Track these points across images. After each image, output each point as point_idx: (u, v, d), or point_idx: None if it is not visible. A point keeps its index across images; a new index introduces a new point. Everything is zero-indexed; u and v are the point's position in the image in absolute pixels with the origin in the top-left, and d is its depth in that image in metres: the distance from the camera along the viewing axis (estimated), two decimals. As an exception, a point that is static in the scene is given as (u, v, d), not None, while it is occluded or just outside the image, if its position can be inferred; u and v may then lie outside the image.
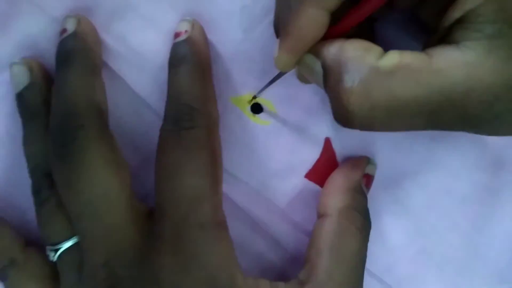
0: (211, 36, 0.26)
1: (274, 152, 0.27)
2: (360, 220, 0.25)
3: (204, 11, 0.26)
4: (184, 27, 0.25)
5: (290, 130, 0.27)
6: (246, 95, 0.27)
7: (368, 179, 0.27)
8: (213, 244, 0.22)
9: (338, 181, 0.26)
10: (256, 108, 0.27)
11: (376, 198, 0.28)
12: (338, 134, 0.27)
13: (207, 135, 0.23)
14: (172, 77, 0.25)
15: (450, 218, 0.28)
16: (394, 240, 0.28)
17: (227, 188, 0.27)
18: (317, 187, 0.28)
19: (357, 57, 0.19)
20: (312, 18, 0.20)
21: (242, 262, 0.24)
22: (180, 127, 0.23)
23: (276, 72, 0.24)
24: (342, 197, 0.25)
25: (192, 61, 0.24)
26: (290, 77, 0.26)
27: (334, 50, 0.20)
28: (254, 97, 0.27)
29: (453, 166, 0.28)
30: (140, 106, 0.27)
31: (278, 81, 0.26)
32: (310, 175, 0.28)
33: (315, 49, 0.21)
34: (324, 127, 0.27)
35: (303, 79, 0.24)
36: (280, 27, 0.22)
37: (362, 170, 0.26)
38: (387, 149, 0.28)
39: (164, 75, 0.25)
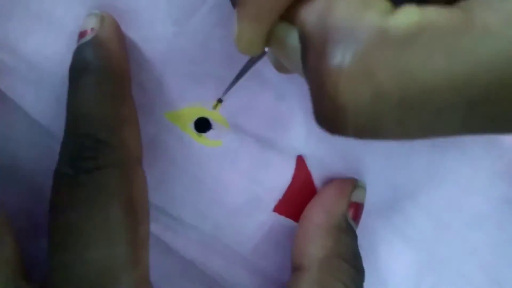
0: (131, 33, 0.19)
1: (230, 183, 0.21)
2: (348, 273, 0.18)
3: (119, 0, 0.19)
4: (90, 23, 0.18)
5: (250, 150, 0.21)
6: (187, 108, 0.20)
7: (357, 208, 0.20)
8: None
9: (317, 218, 0.19)
10: (202, 125, 0.20)
11: (369, 229, 0.21)
12: (313, 150, 0.21)
13: (120, 179, 0.16)
14: (70, 95, 0.18)
15: (464, 244, 0.22)
16: (398, 279, 0.22)
17: (171, 237, 0.20)
18: (290, 221, 0.21)
19: (352, 17, 0.11)
20: None
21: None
22: (78, 170, 0.16)
23: (234, 66, 0.18)
24: (322, 242, 0.19)
25: (98, 70, 0.17)
26: (245, 80, 0.19)
27: (316, 10, 0.12)
28: (220, 101, 0.20)
29: (462, 178, 0.21)
30: (41, 137, 0.20)
31: (219, 82, 0.20)
32: (280, 208, 0.21)
33: (289, 14, 0.14)
34: (294, 142, 0.21)
35: (281, 66, 0.17)
36: None
37: (348, 197, 0.20)
38: (378, 164, 0.21)
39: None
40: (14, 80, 0.19)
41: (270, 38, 0.15)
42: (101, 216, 0.16)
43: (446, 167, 0.21)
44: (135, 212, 0.16)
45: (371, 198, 0.21)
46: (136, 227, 0.16)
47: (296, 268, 0.19)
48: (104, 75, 0.17)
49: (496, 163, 0.21)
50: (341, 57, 0.11)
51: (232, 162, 0.20)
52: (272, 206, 0.21)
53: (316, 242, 0.19)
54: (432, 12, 0.11)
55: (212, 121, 0.20)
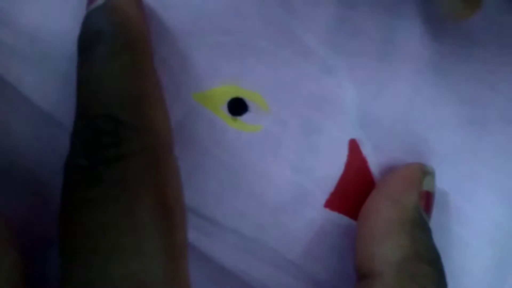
0: (151, 0, 0.16)
1: (272, 174, 0.17)
2: (431, 276, 0.15)
3: None
4: None
5: (294, 135, 0.17)
6: (219, 87, 0.17)
7: (428, 199, 0.17)
8: None
9: (386, 212, 0.16)
10: (237, 107, 0.17)
11: (437, 223, 0.18)
12: (368, 132, 0.18)
13: (150, 169, 0.13)
14: (80, 70, 0.14)
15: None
16: (474, 282, 0.18)
17: (205, 242, 0.17)
18: (345, 218, 0.18)
19: None
20: None
21: None
22: (96, 161, 0.13)
23: (274, 34, 0.14)
24: (397, 240, 0.15)
25: (112, 38, 0.14)
26: (285, 50, 0.16)
27: None
28: None
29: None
30: (45, 127, 0.16)
31: (268, 60, 0.16)
32: (332, 203, 0.18)
33: None
34: (345, 123, 0.17)
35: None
36: None
37: (418, 186, 0.16)
38: (444, 147, 0.18)
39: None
40: (11, 59, 0.16)
41: None
42: (127, 219, 0.12)
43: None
44: (170, 212, 0.13)
45: (438, 185, 0.18)
46: (172, 231, 0.13)
47: (364, 275, 0.16)
48: (121, 44, 0.14)
49: None
50: None
51: (274, 149, 0.17)
52: (323, 200, 0.17)
53: (389, 241, 0.15)
54: None
55: (248, 102, 0.17)
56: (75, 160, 0.13)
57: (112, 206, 0.12)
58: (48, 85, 0.16)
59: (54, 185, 0.16)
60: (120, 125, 0.13)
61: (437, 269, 0.15)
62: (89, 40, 0.14)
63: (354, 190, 0.18)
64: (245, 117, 0.17)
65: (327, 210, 0.18)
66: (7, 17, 0.16)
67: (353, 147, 0.18)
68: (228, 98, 0.17)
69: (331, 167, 0.18)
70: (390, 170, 0.18)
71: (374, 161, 0.18)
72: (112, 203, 0.12)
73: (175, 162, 0.14)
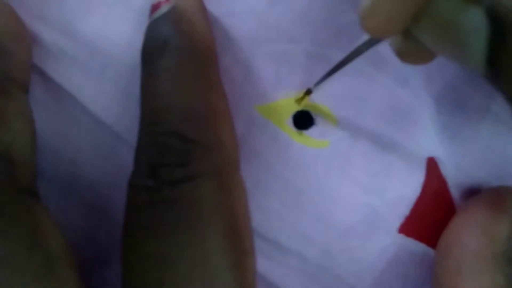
0: (212, 6, 0.15)
1: (341, 195, 0.16)
2: None
3: None
4: None
5: (365, 152, 0.16)
6: (283, 99, 0.16)
7: None
8: None
9: (474, 243, 0.14)
10: (303, 120, 0.16)
11: None
12: (448, 151, 0.16)
13: (219, 191, 0.12)
14: (145, 83, 0.14)
15: None
16: None
17: (266, 266, 0.16)
18: (421, 246, 0.16)
19: None
20: None
21: None
22: (162, 181, 0.12)
23: (343, 42, 0.13)
24: (488, 278, 0.13)
25: (178, 49, 0.13)
26: (356, 63, 0.15)
27: None
28: (308, 92, 0.15)
29: None
30: (104, 139, 0.16)
31: (335, 73, 0.15)
32: (407, 228, 0.16)
33: None
34: (423, 140, 0.16)
35: (409, 53, 0.12)
36: None
37: (509, 212, 0.14)
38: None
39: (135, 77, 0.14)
40: (72, 68, 0.16)
41: (419, 13, 0.11)
42: (197, 245, 0.11)
43: None
44: (241, 238, 0.12)
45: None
46: (243, 259, 0.12)
47: None
48: (188, 55, 0.13)
49: None
50: None
51: (343, 167, 0.16)
52: (397, 225, 0.16)
53: (480, 278, 0.13)
54: None
55: (315, 115, 0.16)
56: (139, 181, 0.12)
57: (181, 234, 0.11)
58: (108, 96, 0.16)
59: (113, 200, 0.15)
60: (188, 142, 0.12)
61: None
62: (153, 51, 0.14)
63: (432, 214, 0.16)
64: (311, 131, 0.16)
65: (402, 236, 0.16)
66: (69, 27, 0.16)
67: (432, 166, 0.16)
68: (293, 110, 0.16)
69: (406, 188, 0.16)
70: (473, 193, 0.16)
71: (455, 183, 0.16)
72: (181, 230, 0.11)
73: (242, 182, 0.13)
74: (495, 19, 0.10)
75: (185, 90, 0.13)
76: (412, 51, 0.13)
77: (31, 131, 0.13)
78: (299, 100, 0.16)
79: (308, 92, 0.15)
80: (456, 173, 0.16)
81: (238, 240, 0.12)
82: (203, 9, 0.15)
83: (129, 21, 0.16)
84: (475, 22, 0.10)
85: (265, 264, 0.16)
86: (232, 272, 0.11)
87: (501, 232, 0.14)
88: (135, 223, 0.12)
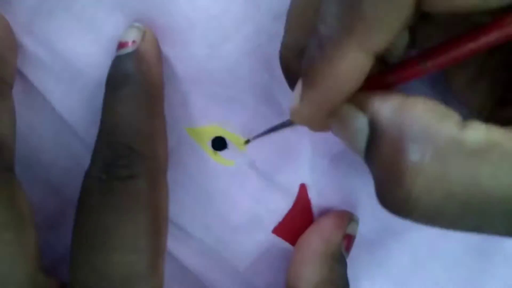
0: (166, 50, 0.21)
1: (236, 201, 0.22)
2: None
3: (160, 17, 0.20)
4: (132, 36, 0.19)
5: (258, 173, 0.22)
6: (207, 126, 0.21)
7: (349, 240, 0.22)
8: None
9: (314, 245, 0.21)
10: (219, 144, 0.22)
11: (354, 261, 0.23)
12: (316, 181, 0.22)
13: (150, 188, 0.18)
14: (108, 104, 0.18)
15: (437, 284, 0.24)
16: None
17: (174, 245, 0.21)
18: (286, 244, 0.22)
19: (431, 122, 0.13)
20: (355, 64, 0.14)
21: None
22: (112, 176, 0.17)
23: (259, 95, 0.19)
24: (318, 268, 0.20)
25: (137, 83, 0.18)
26: (264, 107, 0.21)
27: (392, 106, 0.14)
28: (247, 142, 0.21)
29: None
30: (64, 134, 0.20)
31: (250, 112, 0.21)
32: (279, 230, 0.22)
33: (357, 101, 0.15)
34: (300, 171, 0.22)
35: (316, 128, 0.18)
36: (304, 72, 0.16)
37: (344, 229, 0.21)
38: (371, 201, 0.23)
39: (100, 96, 0.19)
40: (47, 76, 0.20)
41: (331, 116, 0.16)
42: (130, 223, 0.17)
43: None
44: (160, 222, 0.17)
45: (360, 231, 0.23)
46: (159, 237, 0.17)
47: None
48: (143, 89, 0.18)
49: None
50: (420, 156, 0.13)
51: (241, 182, 0.22)
52: (272, 227, 0.22)
53: (312, 268, 0.20)
54: (496, 132, 0.13)
55: (228, 142, 0.22)
56: (94, 173, 0.17)
57: (121, 212, 0.17)
58: (74, 101, 0.20)
59: (64, 180, 0.20)
60: (133, 152, 0.17)
61: None
62: (116, 81, 0.18)
63: (297, 223, 0.23)
64: (224, 153, 0.22)
65: (274, 235, 0.22)
66: (49, 42, 0.20)
67: (302, 190, 0.23)
68: (213, 136, 0.22)
69: (282, 203, 0.22)
70: (326, 212, 0.23)
71: (316, 203, 0.23)
72: (121, 210, 0.17)
73: (166, 183, 0.19)
74: (372, 125, 0.14)
75: (137, 115, 0.18)
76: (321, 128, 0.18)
77: (14, 122, 0.18)
78: (241, 144, 0.21)
79: (247, 141, 0.21)
80: (319, 197, 0.23)
81: (158, 223, 0.17)
82: (159, 53, 0.20)
83: (99, 47, 0.20)
84: (362, 124, 0.15)
85: (174, 244, 0.21)
86: (151, 242, 0.17)
87: (335, 239, 0.21)
88: (87, 203, 0.17)
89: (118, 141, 0.17)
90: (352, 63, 0.14)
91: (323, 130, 0.19)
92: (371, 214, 0.23)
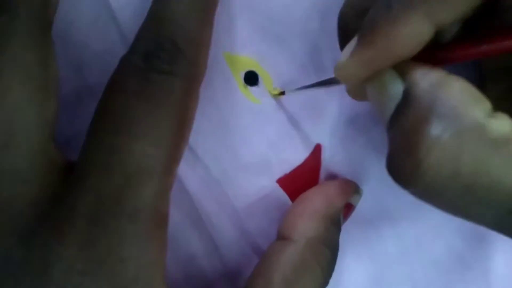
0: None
1: (252, 140, 0.21)
2: (328, 259, 0.20)
3: None
4: None
5: (281, 120, 0.22)
6: (245, 57, 0.21)
7: (349, 209, 0.22)
8: (142, 245, 0.16)
9: (316, 202, 0.21)
10: (251, 78, 0.21)
11: (345, 233, 0.23)
12: (332, 146, 0.22)
13: (184, 92, 0.17)
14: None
15: (415, 278, 0.24)
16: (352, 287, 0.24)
17: (181, 165, 0.21)
18: (286, 197, 0.22)
19: (462, 103, 0.14)
20: (418, 31, 0.15)
21: (168, 259, 0.17)
22: (151, 67, 0.16)
23: (309, 47, 0.18)
24: (315, 224, 0.20)
25: None
26: (306, 57, 0.21)
27: (431, 80, 0.14)
28: (282, 93, 0.21)
29: (436, 224, 0.24)
30: (103, 17, 0.20)
31: (290, 57, 0.21)
32: (283, 181, 0.22)
33: (400, 67, 0.15)
34: (321, 130, 0.22)
35: (356, 94, 0.18)
36: (363, 29, 0.16)
37: (348, 196, 0.21)
38: (377, 181, 0.23)
39: None
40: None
41: (371, 77, 0.16)
42: (159, 117, 0.16)
43: (427, 210, 0.24)
44: (184, 128, 0.17)
45: (359, 207, 0.23)
46: (180, 142, 0.17)
47: (282, 237, 0.20)
48: None
49: (465, 225, 0.24)
50: (441, 131, 0.13)
51: (262, 123, 0.21)
52: (278, 176, 0.22)
53: (309, 222, 0.20)
54: None
55: (260, 79, 0.21)
56: (133, 58, 0.17)
57: (152, 105, 0.16)
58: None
59: (88, 65, 0.19)
60: (178, 51, 0.17)
61: (333, 256, 0.20)
62: None
63: (302, 180, 0.22)
64: (253, 88, 0.21)
65: (277, 185, 0.22)
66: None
67: (317, 150, 0.22)
68: (248, 68, 0.21)
69: (294, 156, 0.22)
70: (333, 178, 0.23)
71: (325, 167, 0.22)
72: (153, 103, 0.16)
73: (198, 95, 0.18)
74: (406, 94, 0.15)
75: (190, 15, 0.17)
76: (355, 92, 0.18)
77: None
78: (275, 94, 0.21)
79: (282, 93, 0.21)
80: (330, 162, 0.22)
81: (182, 128, 0.17)
82: None
83: None
84: (397, 90, 0.15)
85: (180, 164, 0.21)
86: (174, 141, 0.16)
87: (337, 204, 0.21)
88: (119, 86, 0.16)
89: (165, 35, 0.17)
90: (415, 30, 0.15)
91: (359, 98, 0.18)
92: (373, 194, 0.23)
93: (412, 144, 0.14)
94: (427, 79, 0.15)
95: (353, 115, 0.22)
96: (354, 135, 0.22)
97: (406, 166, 0.14)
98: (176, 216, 0.21)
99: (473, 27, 0.16)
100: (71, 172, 0.16)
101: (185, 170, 0.21)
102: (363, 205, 0.23)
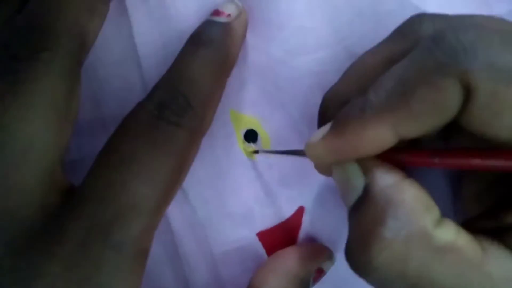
0: (248, 36, 0.22)
1: (241, 191, 0.23)
2: None
3: (257, 4, 0.22)
4: (230, 9, 0.21)
5: (271, 178, 0.23)
6: (248, 116, 0.23)
7: (319, 274, 0.23)
8: (122, 276, 0.17)
9: (290, 263, 0.22)
10: (251, 136, 0.23)
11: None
12: (315, 209, 0.24)
13: (187, 143, 0.19)
14: (184, 55, 0.20)
15: None
16: None
17: (171, 204, 0.22)
18: (262, 251, 0.24)
19: (413, 210, 0.15)
20: (382, 137, 0.16)
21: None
22: (162, 116, 0.18)
23: (309, 113, 0.20)
24: (286, 282, 0.21)
25: (217, 51, 0.20)
26: (305, 129, 0.22)
27: (389, 180, 0.16)
28: (256, 152, 0.23)
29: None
30: (129, 60, 0.22)
31: (289, 124, 0.23)
32: (263, 235, 0.24)
33: (363, 162, 0.17)
34: (307, 193, 0.24)
35: (323, 170, 0.20)
36: (337, 119, 0.17)
37: (320, 262, 0.23)
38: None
39: (175, 45, 0.21)
40: (141, 4, 0.21)
41: (336, 164, 0.18)
42: (159, 161, 0.18)
43: None
44: (182, 173, 0.19)
45: (330, 272, 0.24)
46: (173, 187, 0.18)
47: None
48: (219, 58, 0.20)
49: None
50: (393, 235, 0.15)
51: (253, 178, 0.23)
52: (258, 230, 0.23)
53: (281, 280, 0.21)
54: (463, 237, 0.15)
55: (259, 138, 0.23)
56: (148, 105, 0.18)
57: (154, 148, 0.18)
58: (152, 38, 0.22)
59: (106, 101, 0.21)
60: (189, 106, 0.19)
61: None
62: (201, 40, 0.20)
63: (281, 238, 0.24)
64: (250, 145, 0.23)
65: (256, 238, 0.23)
66: None
67: (299, 212, 0.24)
68: (249, 127, 0.23)
69: (277, 214, 0.24)
70: (311, 240, 0.24)
71: (304, 229, 0.24)
72: (156, 147, 0.18)
73: (199, 147, 0.20)
74: (366, 188, 0.16)
75: (206, 76, 0.19)
76: (322, 168, 0.20)
77: (101, 28, 0.19)
78: (249, 153, 0.23)
79: (256, 151, 0.23)
80: (309, 226, 0.24)
81: (177, 175, 0.19)
82: (244, 35, 0.22)
83: (194, 5, 0.22)
84: (359, 184, 0.17)
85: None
86: (167, 185, 0.18)
87: (310, 267, 0.22)
88: (130, 127, 0.18)
89: (179, 90, 0.19)
90: (380, 136, 0.16)
91: (324, 173, 0.20)
92: (345, 263, 0.24)
93: (366, 241, 0.16)
94: (385, 179, 0.16)
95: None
96: (336, 204, 0.24)
97: (359, 260, 0.16)
98: (155, 248, 0.22)
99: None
100: (72, 195, 0.17)
101: (173, 208, 0.22)
102: (335, 271, 0.24)
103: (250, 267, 0.23)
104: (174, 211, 0.22)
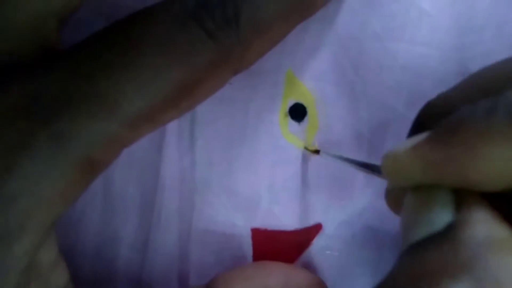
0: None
1: (257, 170, 0.18)
2: None
3: None
4: None
5: (295, 175, 0.18)
6: (306, 87, 0.18)
7: None
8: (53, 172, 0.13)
9: (273, 281, 0.17)
10: (297, 111, 0.18)
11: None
12: (333, 238, 0.18)
13: (213, 65, 0.14)
14: None
15: None
16: None
17: (171, 146, 0.18)
18: (249, 250, 0.19)
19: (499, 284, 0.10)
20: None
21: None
22: (197, 15, 0.13)
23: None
24: None
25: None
26: (367, 127, 0.17)
27: (492, 236, 0.11)
28: (317, 152, 0.18)
29: None
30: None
31: (352, 115, 0.17)
32: (258, 234, 0.19)
33: (461, 194, 0.12)
34: (332, 215, 0.18)
35: (397, 208, 0.15)
36: (444, 124, 0.12)
37: None
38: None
39: None
40: None
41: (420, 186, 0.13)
42: (164, 65, 0.13)
43: None
44: (187, 99, 0.14)
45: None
46: (170, 108, 0.14)
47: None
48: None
49: None
50: None
51: (276, 162, 0.18)
52: (255, 225, 0.18)
53: None
54: None
55: (306, 118, 0.18)
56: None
57: (168, 48, 0.13)
58: None
59: None
60: (235, 20, 0.14)
61: None
62: None
63: (278, 247, 0.19)
64: (293, 123, 0.18)
65: (249, 232, 0.18)
66: None
67: (314, 229, 0.19)
68: (299, 100, 0.18)
69: (286, 218, 0.19)
70: (310, 268, 0.19)
71: (310, 252, 0.19)
72: (172, 48, 0.13)
73: (221, 82, 0.15)
74: (448, 227, 0.11)
75: (276, 2, 0.14)
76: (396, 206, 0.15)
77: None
78: (310, 149, 0.18)
79: (317, 151, 0.18)
80: (318, 250, 0.19)
81: (183, 94, 0.14)
82: None
83: None
84: (440, 217, 0.12)
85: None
86: (171, 95, 0.14)
87: None
88: (153, 11, 0.14)
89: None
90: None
91: (393, 205, 0.15)
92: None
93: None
94: (485, 230, 0.11)
95: (373, 225, 0.18)
96: (359, 242, 0.18)
97: None
98: (133, 187, 0.18)
99: None
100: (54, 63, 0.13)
101: (171, 151, 0.18)
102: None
103: (226, 262, 0.19)
104: (171, 155, 0.18)
